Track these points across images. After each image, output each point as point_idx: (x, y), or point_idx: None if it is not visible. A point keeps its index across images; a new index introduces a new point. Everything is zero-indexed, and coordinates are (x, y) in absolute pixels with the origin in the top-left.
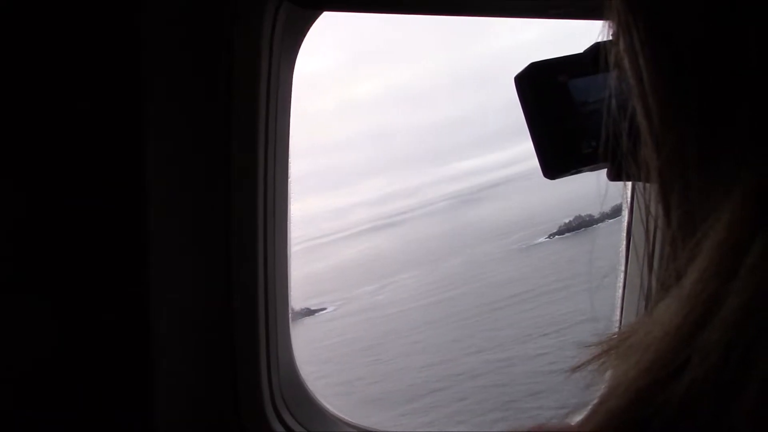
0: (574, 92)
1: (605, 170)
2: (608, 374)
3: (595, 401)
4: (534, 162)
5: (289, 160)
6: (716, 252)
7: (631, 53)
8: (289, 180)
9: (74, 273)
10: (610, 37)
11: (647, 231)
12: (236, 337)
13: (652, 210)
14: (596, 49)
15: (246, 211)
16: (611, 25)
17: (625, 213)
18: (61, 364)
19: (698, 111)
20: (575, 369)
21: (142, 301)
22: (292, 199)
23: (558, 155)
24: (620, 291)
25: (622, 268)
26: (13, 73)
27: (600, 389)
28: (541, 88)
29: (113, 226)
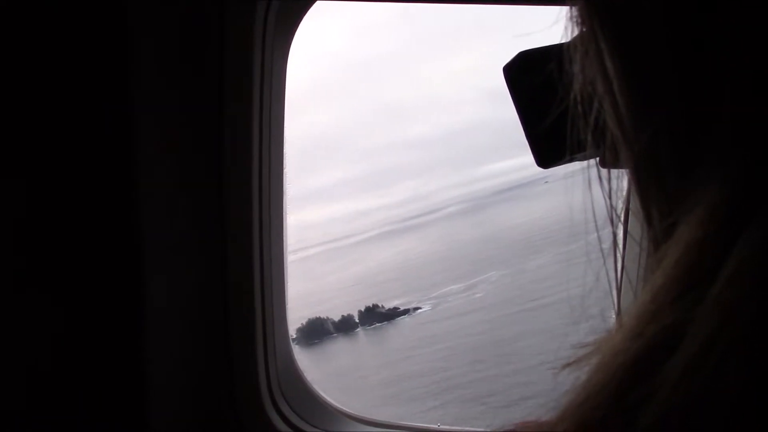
0: (567, 81)
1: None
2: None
3: (567, 403)
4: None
5: (284, 155)
6: (678, 264)
7: (598, 58)
8: (285, 174)
9: (68, 269)
10: (578, 47)
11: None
12: (232, 328)
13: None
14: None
15: (241, 205)
16: (577, 33)
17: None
18: (57, 359)
19: (668, 113)
20: (565, 366)
21: (138, 294)
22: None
23: (550, 144)
24: (615, 288)
25: (619, 263)
26: (6, 76)
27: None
28: (531, 77)
29: (107, 224)
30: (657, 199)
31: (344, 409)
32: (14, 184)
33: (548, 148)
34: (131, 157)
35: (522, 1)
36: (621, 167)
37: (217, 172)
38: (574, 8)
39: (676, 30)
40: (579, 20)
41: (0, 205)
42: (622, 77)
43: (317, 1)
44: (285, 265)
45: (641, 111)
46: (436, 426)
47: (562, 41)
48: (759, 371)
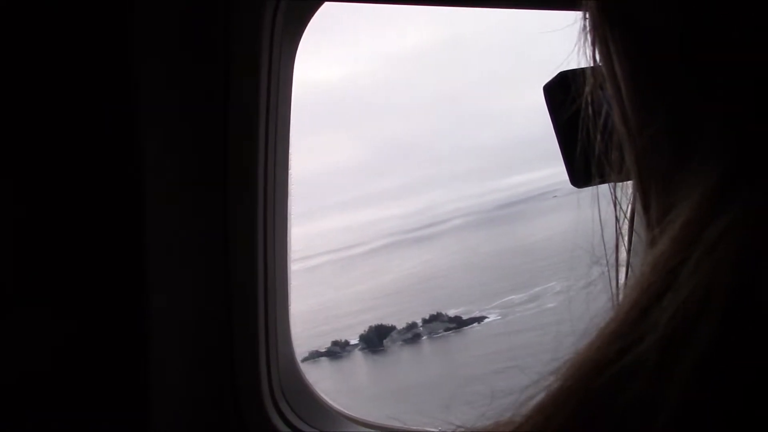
0: (594, 105)
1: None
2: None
3: (552, 378)
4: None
5: (290, 155)
6: (673, 238)
7: (607, 59)
8: (290, 175)
9: (71, 273)
10: (588, 47)
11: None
12: (235, 329)
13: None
14: None
15: (245, 207)
16: (589, 35)
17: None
18: (59, 360)
19: (670, 116)
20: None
21: (140, 296)
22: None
23: (585, 164)
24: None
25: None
26: (6, 73)
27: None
28: (568, 97)
29: (110, 228)
30: (656, 189)
31: (345, 411)
32: (16, 187)
33: (583, 169)
34: (135, 158)
35: (533, 4)
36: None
37: (221, 174)
38: (586, 12)
39: (682, 30)
40: (590, 23)
41: (3, 209)
42: (628, 76)
43: (326, 1)
44: (288, 267)
45: (645, 107)
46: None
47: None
48: (733, 330)
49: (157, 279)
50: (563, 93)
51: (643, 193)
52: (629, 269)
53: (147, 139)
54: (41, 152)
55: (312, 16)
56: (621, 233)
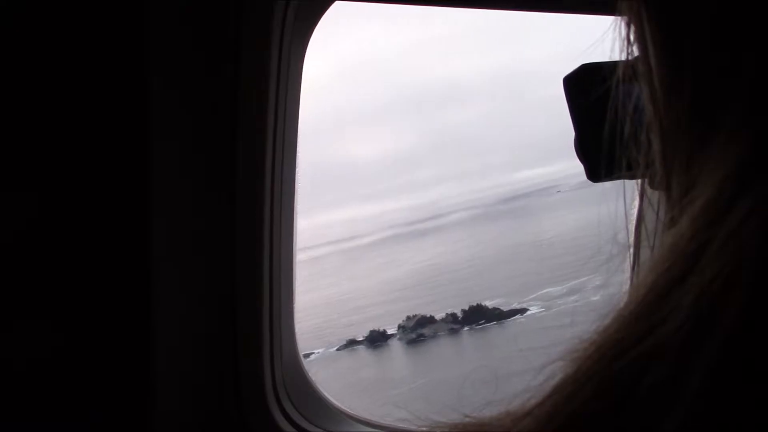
0: (619, 99)
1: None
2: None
3: (571, 358)
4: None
5: (297, 155)
6: (694, 218)
7: (641, 39)
8: (297, 175)
9: (79, 267)
10: (623, 28)
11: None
12: (239, 327)
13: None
14: None
15: (252, 206)
16: (624, 17)
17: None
18: (63, 361)
19: (696, 94)
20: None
21: (145, 294)
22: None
23: (602, 159)
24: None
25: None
26: (18, 75)
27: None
28: (590, 90)
29: (119, 220)
30: (678, 168)
31: (348, 410)
32: (26, 187)
33: (600, 163)
34: (145, 155)
35: (568, 8)
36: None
37: (229, 173)
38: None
39: (714, 12)
40: (626, 5)
41: (13, 208)
42: (660, 54)
43: (336, 1)
44: (294, 266)
45: (674, 87)
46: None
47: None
48: (758, 314)
49: (162, 277)
50: (584, 85)
51: (665, 172)
52: (638, 255)
53: (157, 136)
54: (55, 153)
55: (322, 15)
56: (641, 219)
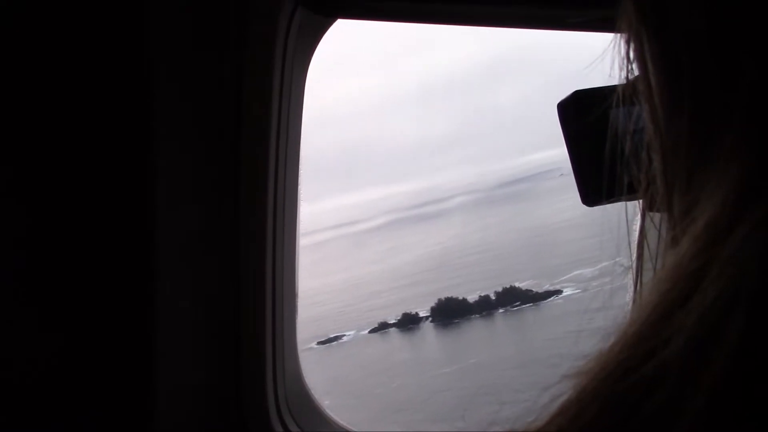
0: (617, 121)
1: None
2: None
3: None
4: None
5: (300, 166)
6: (696, 238)
7: (641, 59)
8: (299, 187)
9: (80, 276)
10: (623, 46)
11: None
12: (242, 345)
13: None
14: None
15: (255, 219)
16: (623, 35)
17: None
18: (63, 362)
19: (696, 111)
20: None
21: (148, 308)
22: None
23: (598, 183)
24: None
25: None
26: (21, 75)
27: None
28: (584, 116)
29: (120, 229)
30: (679, 186)
31: (351, 428)
32: (30, 187)
33: (595, 188)
34: (147, 166)
35: (570, 26)
36: (659, 211)
37: (232, 184)
38: (622, 15)
39: (712, 27)
40: (625, 22)
41: (17, 208)
42: (660, 72)
43: (339, 18)
44: (296, 278)
45: (673, 104)
46: None
47: (617, 83)
48: (761, 337)
49: (164, 294)
50: (577, 111)
51: (666, 191)
52: (640, 271)
53: (161, 147)
54: (59, 153)
55: (326, 30)
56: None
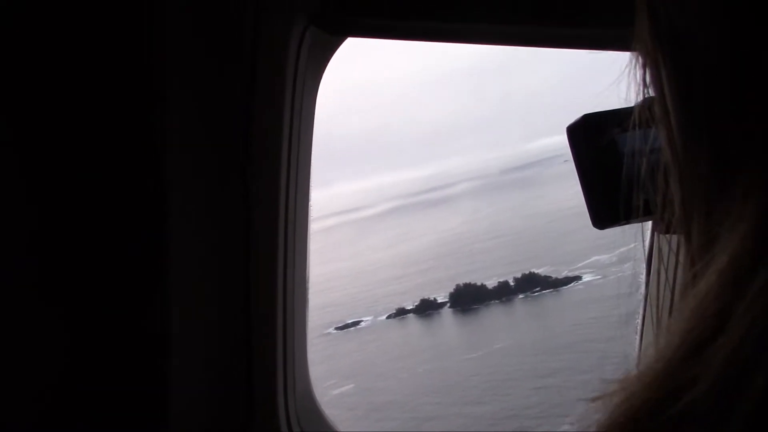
0: (626, 144)
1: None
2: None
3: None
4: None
5: (311, 182)
6: (720, 274)
7: (657, 82)
8: (310, 203)
9: (96, 284)
10: (638, 68)
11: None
12: (253, 361)
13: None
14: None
15: (266, 234)
16: (639, 55)
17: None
18: (72, 363)
19: (714, 141)
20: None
21: (160, 319)
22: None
23: (609, 206)
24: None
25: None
26: (34, 85)
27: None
28: (594, 139)
29: (133, 236)
30: (698, 216)
31: None
32: (43, 191)
33: (605, 210)
34: (160, 177)
35: (581, 45)
36: (675, 233)
37: (243, 196)
38: (638, 39)
39: (731, 54)
40: (642, 48)
41: (30, 211)
42: (677, 98)
43: (350, 37)
44: (306, 291)
45: (691, 130)
46: None
47: (626, 106)
48: None
49: (177, 302)
50: (587, 135)
51: (685, 220)
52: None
53: (173, 160)
54: (71, 158)
55: (337, 49)
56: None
